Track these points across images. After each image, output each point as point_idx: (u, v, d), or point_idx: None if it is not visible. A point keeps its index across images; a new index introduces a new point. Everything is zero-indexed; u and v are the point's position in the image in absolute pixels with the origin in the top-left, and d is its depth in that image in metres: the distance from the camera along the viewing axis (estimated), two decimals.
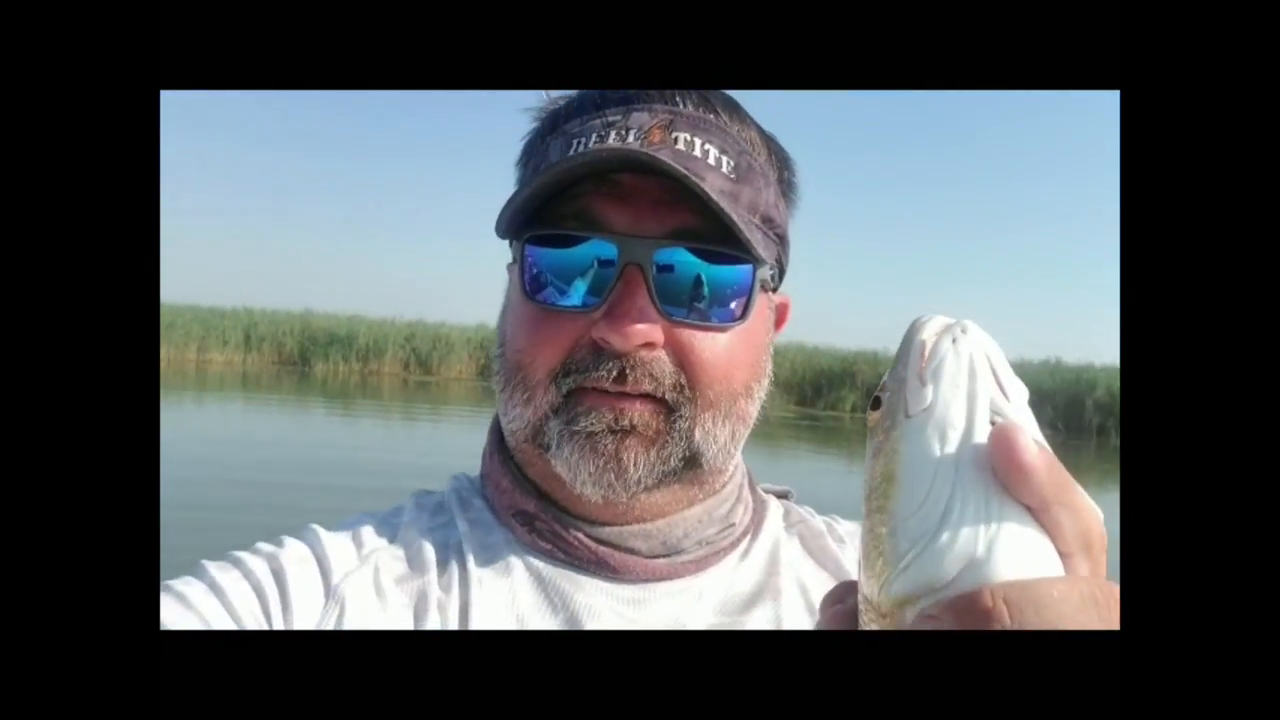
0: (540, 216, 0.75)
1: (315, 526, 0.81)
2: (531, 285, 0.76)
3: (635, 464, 0.74)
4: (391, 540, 0.81)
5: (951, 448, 0.43)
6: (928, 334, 0.45)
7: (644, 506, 0.78)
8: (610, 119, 0.74)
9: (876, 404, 0.47)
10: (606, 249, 0.73)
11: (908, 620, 0.42)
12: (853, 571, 0.85)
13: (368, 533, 0.81)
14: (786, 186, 0.84)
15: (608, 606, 0.77)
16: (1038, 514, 0.42)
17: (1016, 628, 0.39)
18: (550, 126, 0.82)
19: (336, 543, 0.79)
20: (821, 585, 0.84)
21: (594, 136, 0.73)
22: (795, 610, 0.81)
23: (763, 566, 0.84)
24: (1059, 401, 23.32)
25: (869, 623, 0.45)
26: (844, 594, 0.48)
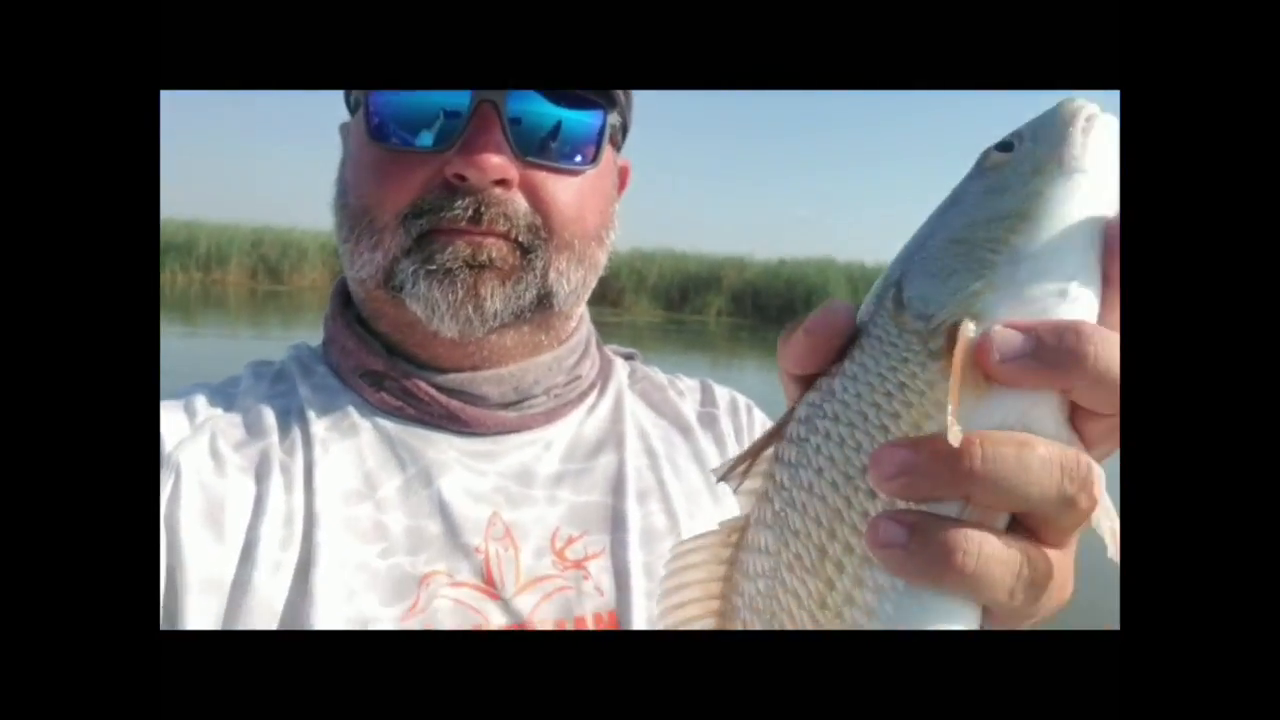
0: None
1: None
2: (377, 131, 0.76)
3: (492, 297, 0.74)
4: (228, 408, 0.79)
5: (1094, 216, 0.44)
6: (1092, 110, 0.46)
7: (494, 348, 0.78)
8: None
9: (1007, 147, 0.47)
10: (457, 95, 0.72)
11: (969, 333, 0.41)
12: (691, 421, 0.89)
13: (200, 402, 0.80)
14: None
15: (457, 460, 0.77)
16: (1113, 285, 0.43)
17: (1101, 362, 0.40)
18: None
19: (166, 413, 0.77)
20: (661, 433, 0.87)
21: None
22: (636, 455, 0.83)
23: (608, 417, 0.86)
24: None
25: (889, 337, 0.44)
26: (844, 319, 0.45)
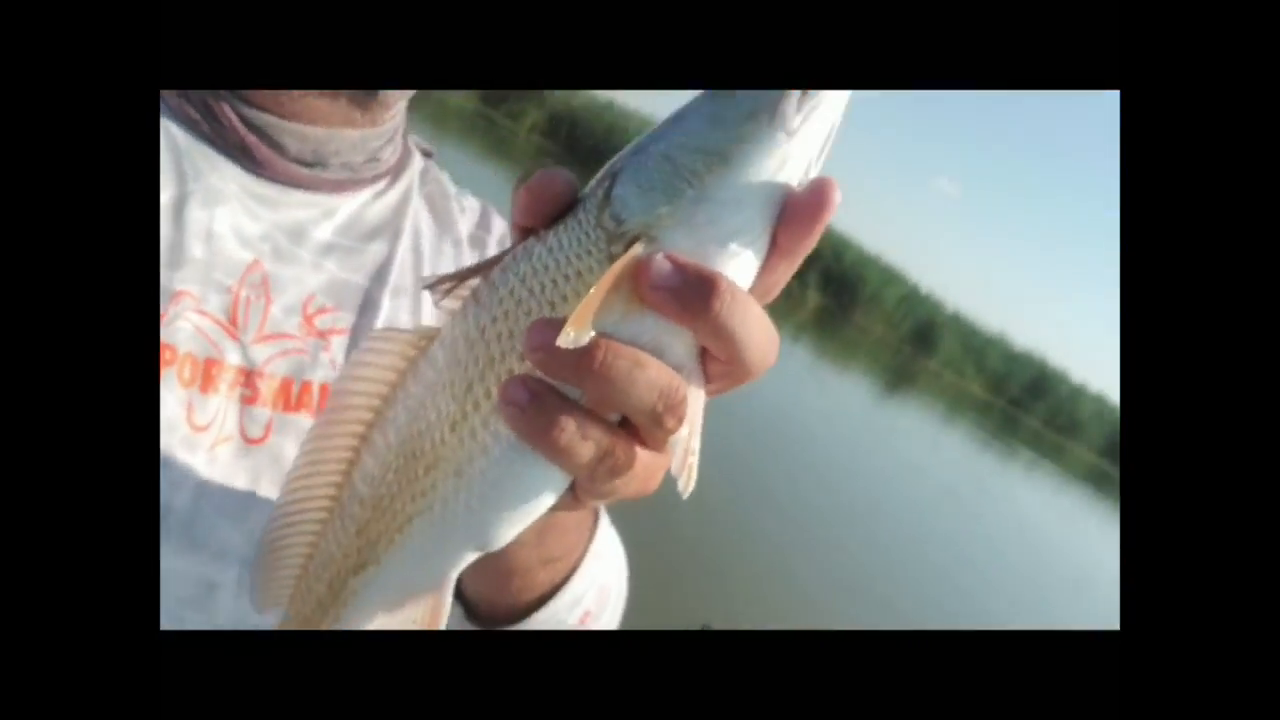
0: None
1: None
2: None
3: None
4: None
5: (779, 182, 0.47)
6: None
7: (307, 106, 0.79)
8: None
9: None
10: None
11: (637, 252, 0.45)
12: (463, 237, 0.92)
13: None
14: None
15: (237, 195, 0.77)
16: (777, 251, 0.47)
17: (721, 317, 0.44)
18: None
19: None
20: (434, 238, 0.90)
21: None
22: (406, 250, 0.86)
23: (392, 207, 0.88)
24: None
25: (574, 243, 0.48)
26: (561, 188, 0.49)
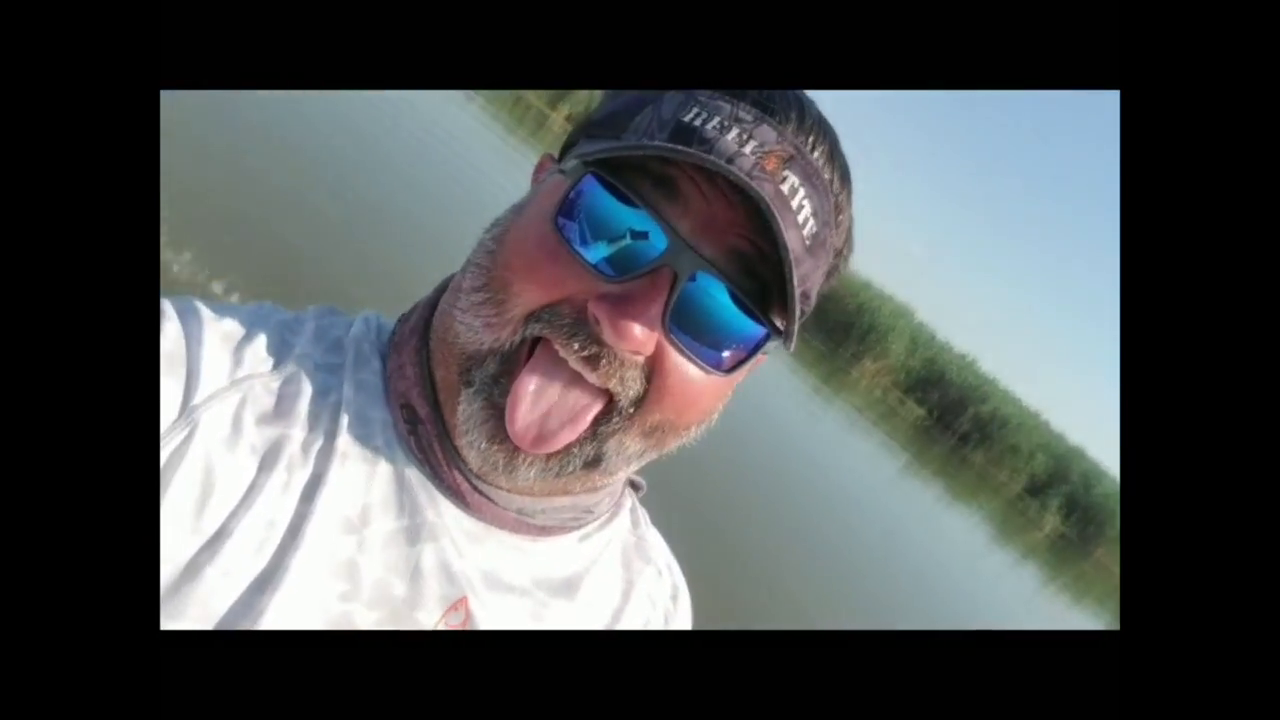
0: (617, 157, 0.69)
1: (202, 308, 0.73)
2: (564, 210, 0.70)
3: (527, 468, 0.71)
4: (275, 364, 0.75)
5: None
6: None
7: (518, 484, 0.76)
8: (740, 115, 0.68)
9: None
10: (658, 238, 0.68)
11: None
12: (633, 624, 0.86)
13: (254, 348, 0.75)
14: (833, 270, 0.79)
15: (447, 530, 0.76)
16: None
17: None
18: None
19: (215, 351, 0.72)
20: (612, 598, 0.86)
21: (716, 123, 0.67)
22: (581, 608, 0.82)
23: (588, 558, 0.85)
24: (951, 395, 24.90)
25: None
26: None
